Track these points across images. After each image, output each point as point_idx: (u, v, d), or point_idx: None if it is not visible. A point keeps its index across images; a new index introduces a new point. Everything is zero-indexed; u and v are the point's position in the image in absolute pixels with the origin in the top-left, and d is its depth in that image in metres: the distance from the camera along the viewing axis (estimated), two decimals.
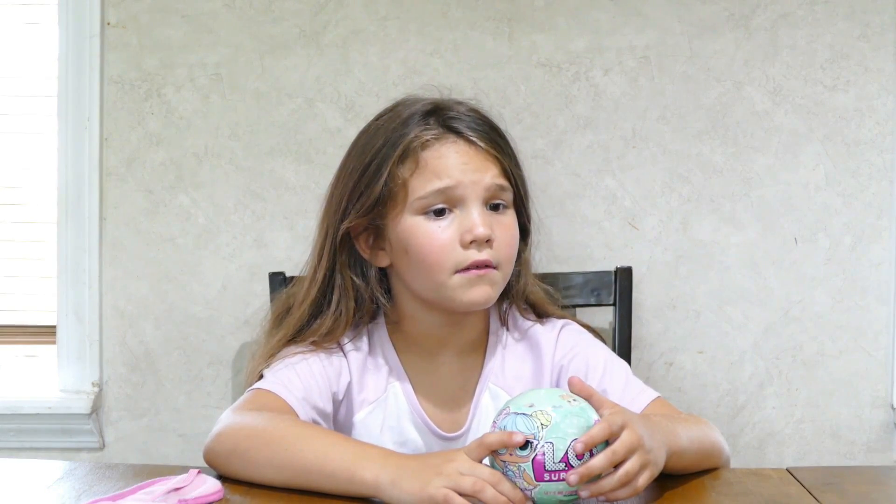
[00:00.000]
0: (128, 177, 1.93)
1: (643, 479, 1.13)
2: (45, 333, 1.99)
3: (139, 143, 1.92)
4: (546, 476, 1.08)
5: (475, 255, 1.37)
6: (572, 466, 1.09)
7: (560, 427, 1.09)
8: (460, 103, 1.46)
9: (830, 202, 1.91)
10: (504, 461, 1.09)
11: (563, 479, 1.09)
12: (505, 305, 1.49)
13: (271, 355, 1.44)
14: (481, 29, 1.90)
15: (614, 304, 1.82)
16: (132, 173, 1.93)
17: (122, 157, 1.92)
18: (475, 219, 1.37)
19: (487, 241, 1.38)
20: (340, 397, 1.44)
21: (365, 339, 1.48)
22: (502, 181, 1.41)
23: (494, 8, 1.90)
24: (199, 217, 1.93)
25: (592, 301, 1.82)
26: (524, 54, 1.91)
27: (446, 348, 1.47)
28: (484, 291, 1.39)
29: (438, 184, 1.38)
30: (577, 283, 1.80)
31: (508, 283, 1.46)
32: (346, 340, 1.46)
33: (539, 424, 1.09)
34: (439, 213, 1.39)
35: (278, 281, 1.77)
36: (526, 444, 1.08)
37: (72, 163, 1.91)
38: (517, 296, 1.49)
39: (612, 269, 1.83)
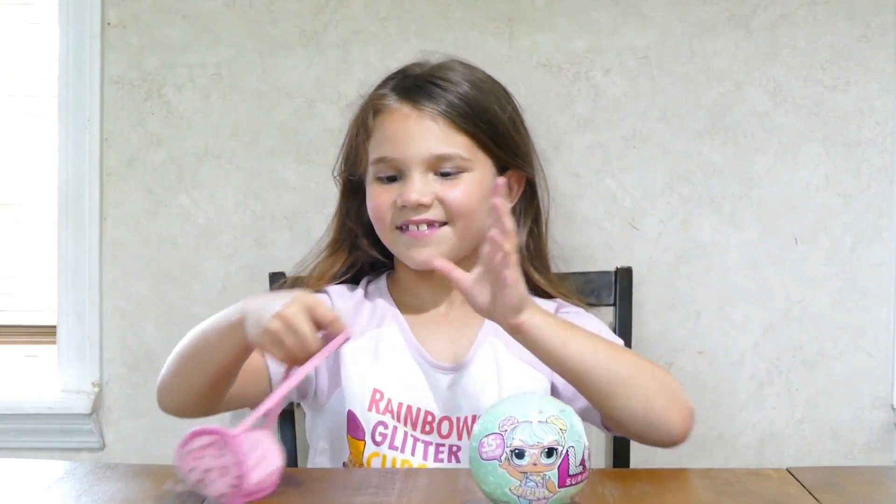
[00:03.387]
0: (128, 177, 1.93)
1: (511, 270, 1.22)
2: (45, 333, 1.99)
3: (139, 143, 1.92)
4: (568, 481, 1.08)
5: (410, 213, 1.46)
6: (587, 469, 1.09)
7: (575, 429, 1.09)
8: (461, 69, 1.53)
9: (830, 202, 1.91)
10: (526, 472, 1.07)
11: (579, 483, 1.09)
12: None
13: None
14: (481, 29, 1.90)
15: (614, 305, 1.82)
16: (132, 173, 1.93)
17: (123, 157, 1.92)
18: (409, 185, 1.45)
19: (423, 206, 1.45)
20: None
21: (360, 290, 1.56)
22: (445, 150, 1.46)
23: (494, 8, 1.90)
24: (199, 217, 1.93)
25: (592, 301, 1.81)
26: (524, 54, 1.91)
27: (444, 313, 1.53)
28: (426, 253, 1.46)
29: (379, 152, 1.48)
30: (578, 283, 1.80)
31: None
32: (334, 287, 1.55)
33: (559, 430, 1.08)
34: (390, 179, 1.48)
35: (278, 281, 1.77)
36: (551, 452, 1.07)
37: (72, 163, 1.91)
38: None
39: (612, 269, 1.83)
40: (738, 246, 1.92)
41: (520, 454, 1.07)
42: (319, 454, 1.52)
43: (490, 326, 1.49)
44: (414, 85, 1.50)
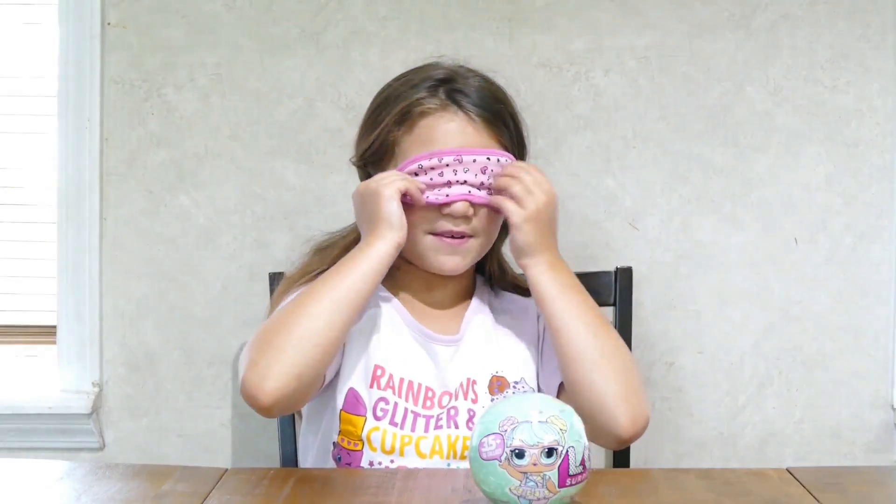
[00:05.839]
0: (128, 177, 1.93)
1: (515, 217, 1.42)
2: (45, 333, 1.99)
3: (139, 143, 1.92)
4: (568, 481, 1.08)
5: (450, 225, 1.45)
6: (587, 469, 1.09)
7: (575, 429, 1.09)
8: (474, 75, 1.51)
9: (831, 202, 1.91)
10: (526, 472, 1.07)
11: (579, 483, 1.09)
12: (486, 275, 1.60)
13: (293, 281, 1.52)
14: (481, 29, 1.90)
15: (614, 304, 1.82)
16: (132, 173, 1.93)
17: (123, 157, 1.92)
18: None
19: (468, 217, 1.45)
20: None
21: None
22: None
23: (494, 8, 1.90)
24: (200, 217, 1.93)
25: None
26: (524, 54, 1.91)
27: (437, 296, 1.54)
28: (455, 262, 1.47)
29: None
30: None
31: (484, 264, 1.57)
32: None
33: (559, 430, 1.08)
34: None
35: (278, 281, 1.77)
36: (551, 452, 1.07)
37: (72, 163, 1.91)
38: (493, 275, 1.60)
39: (612, 269, 1.83)
40: (738, 246, 1.92)
41: (520, 454, 1.07)
42: (302, 435, 1.55)
43: (478, 303, 1.55)
44: (466, 91, 1.47)
